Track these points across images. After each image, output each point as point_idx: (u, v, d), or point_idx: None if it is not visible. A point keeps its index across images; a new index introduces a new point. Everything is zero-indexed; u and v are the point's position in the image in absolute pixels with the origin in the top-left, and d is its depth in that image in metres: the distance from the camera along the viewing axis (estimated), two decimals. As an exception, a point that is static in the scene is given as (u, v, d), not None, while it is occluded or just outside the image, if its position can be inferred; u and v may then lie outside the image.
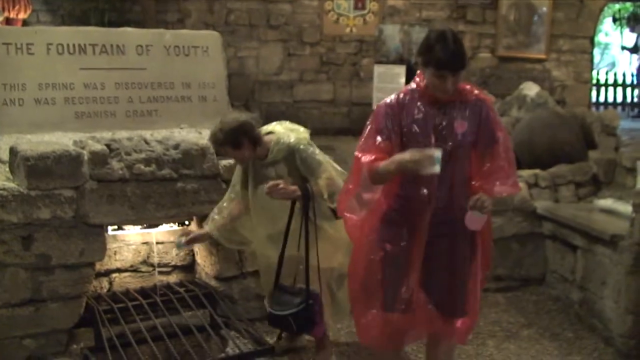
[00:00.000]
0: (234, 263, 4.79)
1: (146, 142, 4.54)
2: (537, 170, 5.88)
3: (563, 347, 4.63)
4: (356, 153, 3.25)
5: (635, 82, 14.64)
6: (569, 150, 6.05)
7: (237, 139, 3.86)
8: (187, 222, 5.01)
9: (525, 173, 5.86)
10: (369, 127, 3.28)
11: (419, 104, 3.22)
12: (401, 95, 3.26)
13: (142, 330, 4.27)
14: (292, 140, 3.96)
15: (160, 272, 5.05)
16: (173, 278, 5.14)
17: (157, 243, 5.04)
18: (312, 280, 3.95)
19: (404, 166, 3.04)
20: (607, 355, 4.54)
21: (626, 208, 4.75)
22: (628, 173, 5.82)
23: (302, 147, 3.94)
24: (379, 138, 3.20)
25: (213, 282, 4.86)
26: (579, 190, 5.92)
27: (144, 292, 4.76)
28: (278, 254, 4.01)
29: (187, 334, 4.30)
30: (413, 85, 3.28)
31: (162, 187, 4.48)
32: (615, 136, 6.70)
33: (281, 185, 3.76)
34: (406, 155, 3.04)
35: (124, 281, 5.03)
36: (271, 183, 3.78)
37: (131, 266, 5.06)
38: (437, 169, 2.98)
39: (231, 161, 4.72)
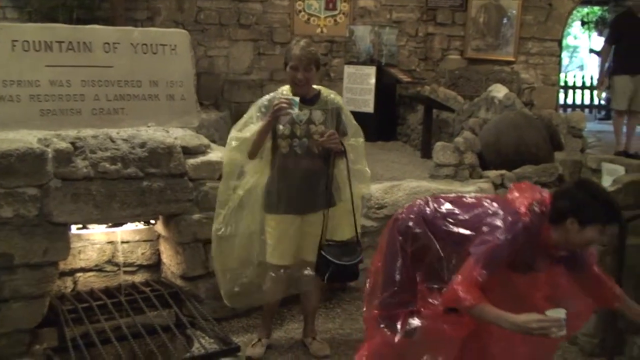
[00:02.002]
0: (200, 262, 4.77)
1: (112, 141, 4.51)
2: (503, 171, 5.95)
3: (527, 346, 4.67)
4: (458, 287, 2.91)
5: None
6: (535, 151, 6.12)
7: (320, 60, 4.19)
8: (152, 221, 4.98)
9: (492, 173, 5.92)
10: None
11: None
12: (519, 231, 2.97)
13: (106, 331, 4.23)
14: (339, 98, 4.29)
15: (125, 272, 5.01)
16: (138, 277, 5.09)
17: (122, 242, 5.00)
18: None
19: (527, 332, 2.78)
20: (571, 353, 4.59)
21: (590, 209, 4.81)
22: (593, 174, 5.91)
23: (345, 107, 4.29)
24: (485, 272, 2.90)
25: (179, 282, 4.83)
26: (545, 190, 5.98)
27: (108, 291, 4.72)
28: (296, 216, 4.16)
29: (152, 333, 4.28)
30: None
31: (127, 186, 4.45)
32: (581, 138, 6.81)
33: (336, 135, 4.03)
34: (530, 322, 2.76)
35: (89, 281, 4.97)
36: (331, 131, 4.04)
37: (96, 265, 5.00)
38: (564, 331, 2.83)
39: (198, 160, 4.72)
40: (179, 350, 4.23)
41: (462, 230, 3.10)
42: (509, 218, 2.96)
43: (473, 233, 3.03)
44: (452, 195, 3.45)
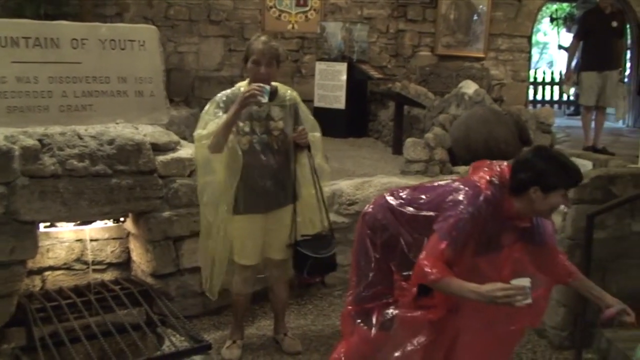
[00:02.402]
0: (170, 260, 4.74)
1: (80, 138, 4.46)
2: (473, 167, 5.98)
3: (497, 339, 4.71)
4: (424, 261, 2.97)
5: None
6: (504, 146, 6.16)
7: (280, 56, 4.16)
8: (122, 219, 4.94)
9: (462, 169, 5.97)
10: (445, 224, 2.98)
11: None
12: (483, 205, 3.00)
13: (75, 329, 4.19)
14: (295, 94, 4.33)
15: (94, 270, 4.96)
16: (108, 276, 5.04)
17: (91, 240, 4.95)
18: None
19: (491, 300, 2.82)
20: (540, 347, 4.64)
21: (559, 203, 4.87)
22: (561, 169, 5.95)
23: (302, 103, 4.31)
24: (450, 246, 2.94)
25: (149, 280, 4.80)
26: (514, 185, 6.02)
27: (77, 290, 4.68)
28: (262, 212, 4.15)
29: (122, 332, 4.24)
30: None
31: (95, 183, 4.41)
32: (550, 133, 6.87)
33: (307, 131, 4.13)
34: (495, 291, 2.80)
35: (57, 279, 4.92)
36: (302, 127, 4.12)
37: (64, 264, 4.95)
38: (530, 299, 2.86)
39: (168, 157, 4.69)
40: (150, 349, 4.19)
41: (426, 213, 3.13)
42: (470, 192, 2.99)
43: (437, 213, 3.06)
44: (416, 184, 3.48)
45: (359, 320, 3.31)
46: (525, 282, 2.87)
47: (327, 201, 5.19)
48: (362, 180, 5.55)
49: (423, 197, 3.21)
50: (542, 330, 4.75)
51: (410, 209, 3.19)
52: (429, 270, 2.90)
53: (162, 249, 4.70)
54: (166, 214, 4.69)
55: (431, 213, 3.09)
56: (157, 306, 4.58)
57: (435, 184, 3.31)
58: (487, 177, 3.04)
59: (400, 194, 3.30)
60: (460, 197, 3.00)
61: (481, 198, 2.96)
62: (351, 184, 5.49)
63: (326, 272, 3.61)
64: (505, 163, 3.17)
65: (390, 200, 3.29)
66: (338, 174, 5.93)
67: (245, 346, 4.47)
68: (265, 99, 3.90)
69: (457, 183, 3.14)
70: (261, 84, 3.90)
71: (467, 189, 3.02)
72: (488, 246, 3.08)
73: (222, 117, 3.96)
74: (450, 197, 3.04)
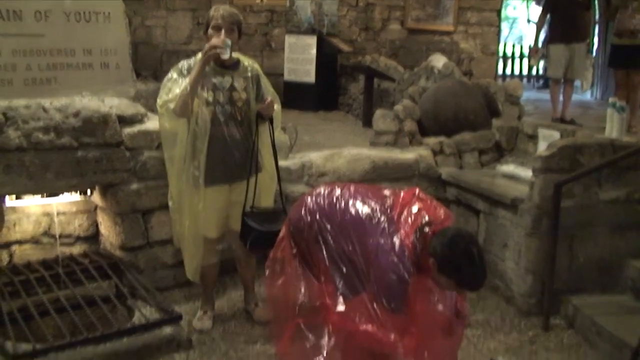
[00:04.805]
0: (139, 233, 4.72)
1: (45, 110, 4.41)
2: (442, 138, 6.01)
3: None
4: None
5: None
6: (473, 118, 6.20)
7: (242, 25, 4.15)
8: (89, 192, 4.89)
9: (431, 141, 5.99)
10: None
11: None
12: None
13: (45, 303, 4.16)
14: (257, 65, 4.30)
15: (62, 244, 4.93)
16: (76, 249, 5.01)
17: (59, 214, 4.91)
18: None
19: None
20: (508, 313, 4.71)
21: (527, 173, 4.92)
22: (529, 140, 6.02)
23: (263, 75, 4.30)
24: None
25: (118, 253, 4.77)
26: (483, 157, 6.08)
27: (46, 264, 4.64)
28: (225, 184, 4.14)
29: (92, 305, 4.22)
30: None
31: (62, 156, 4.36)
32: (518, 105, 6.91)
33: (273, 103, 4.15)
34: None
35: (25, 253, 4.88)
36: (269, 99, 4.12)
37: (32, 238, 4.91)
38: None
39: (135, 129, 4.65)
40: (120, 321, 4.18)
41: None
42: (396, 249, 2.94)
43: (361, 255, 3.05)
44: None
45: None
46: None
47: (297, 173, 5.22)
48: (332, 152, 5.55)
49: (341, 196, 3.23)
50: (510, 297, 4.82)
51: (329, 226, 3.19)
52: (398, 344, 2.93)
53: (131, 222, 4.67)
54: (134, 186, 4.65)
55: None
56: (126, 279, 4.56)
57: (361, 211, 3.17)
58: (417, 224, 2.99)
59: (317, 193, 3.33)
60: (385, 256, 2.95)
61: (406, 254, 2.93)
62: (321, 155, 5.48)
63: (269, 247, 3.59)
64: (442, 211, 3.11)
65: (309, 199, 3.31)
66: (308, 147, 5.91)
67: (217, 317, 4.47)
68: (227, 54, 3.87)
69: (381, 223, 3.05)
70: (223, 39, 3.86)
71: (391, 240, 2.97)
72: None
73: (186, 81, 3.92)
74: (375, 245, 2.99)
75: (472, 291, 3.24)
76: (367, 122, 7.26)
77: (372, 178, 5.32)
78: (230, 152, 4.08)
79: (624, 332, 3.95)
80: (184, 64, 4.07)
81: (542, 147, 5.29)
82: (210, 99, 4.00)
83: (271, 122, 4.21)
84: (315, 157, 5.46)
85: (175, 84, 3.97)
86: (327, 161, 5.42)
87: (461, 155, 5.99)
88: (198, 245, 4.22)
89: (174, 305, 4.44)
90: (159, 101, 4.02)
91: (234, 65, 4.10)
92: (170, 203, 4.28)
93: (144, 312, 4.20)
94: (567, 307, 4.57)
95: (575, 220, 4.59)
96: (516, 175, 5.36)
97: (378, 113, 6.23)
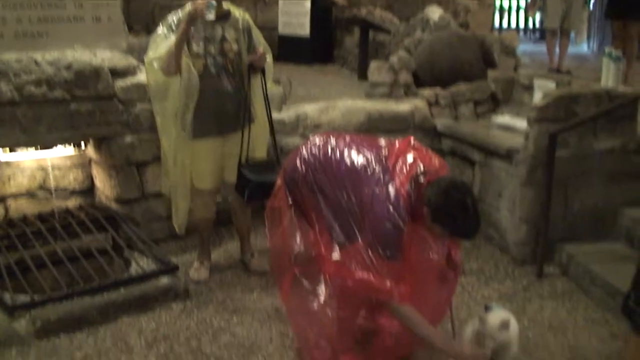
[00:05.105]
0: (134, 185, 4.72)
1: (36, 64, 4.39)
2: (437, 89, 5.97)
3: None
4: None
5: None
6: (468, 69, 6.15)
7: None
8: (82, 145, 4.88)
9: (426, 92, 5.95)
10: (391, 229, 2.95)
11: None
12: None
13: (41, 256, 4.19)
14: (248, 16, 4.23)
15: (58, 197, 4.94)
16: (72, 203, 5.02)
17: (53, 168, 4.90)
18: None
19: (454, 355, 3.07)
20: (502, 262, 4.74)
21: (522, 124, 4.91)
22: (525, 91, 5.99)
23: (254, 26, 4.24)
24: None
25: (114, 205, 4.79)
26: (478, 108, 6.05)
27: (42, 217, 4.66)
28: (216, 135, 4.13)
29: (89, 257, 4.25)
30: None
31: (55, 109, 4.34)
32: (514, 57, 6.86)
33: (265, 55, 4.11)
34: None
35: (21, 207, 4.88)
36: (261, 50, 4.08)
37: (27, 192, 4.91)
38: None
39: (128, 82, 4.62)
40: (117, 272, 4.21)
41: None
42: (391, 196, 2.93)
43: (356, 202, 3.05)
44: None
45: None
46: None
47: (291, 125, 5.21)
48: (327, 104, 5.52)
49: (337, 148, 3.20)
50: (505, 246, 4.85)
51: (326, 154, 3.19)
52: (395, 292, 2.96)
53: (126, 175, 4.67)
54: (128, 139, 4.64)
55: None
56: (122, 231, 4.58)
57: (356, 160, 3.14)
58: (412, 173, 2.98)
59: (312, 143, 3.30)
60: (380, 205, 2.94)
61: (401, 203, 2.92)
62: (316, 107, 5.46)
63: (267, 198, 3.58)
64: (437, 160, 3.11)
65: (304, 150, 3.29)
66: (303, 100, 5.88)
67: (213, 267, 4.51)
68: (211, 15, 3.82)
69: (376, 172, 3.04)
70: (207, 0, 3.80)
71: (386, 189, 2.96)
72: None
73: (173, 38, 3.88)
74: (370, 195, 2.98)
75: (465, 240, 3.27)
76: (363, 74, 7.21)
77: (367, 130, 5.31)
78: (223, 104, 4.06)
79: (617, 279, 3.97)
80: (173, 17, 4.02)
81: (537, 98, 5.26)
82: (202, 51, 3.96)
83: (263, 73, 4.17)
84: (310, 109, 5.43)
85: (163, 41, 3.93)
86: (322, 113, 5.39)
87: (456, 106, 5.96)
88: (186, 197, 4.23)
89: (170, 256, 4.47)
90: (146, 58, 4.01)
91: (225, 16, 4.05)
92: (162, 156, 4.27)
93: (141, 264, 4.23)
94: (561, 255, 4.60)
95: (570, 170, 4.59)
96: (511, 126, 5.34)
97: (373, 64, 6.19)
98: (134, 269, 4.21)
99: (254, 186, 4.03)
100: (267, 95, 4.22)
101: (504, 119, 5.55)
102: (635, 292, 2.47)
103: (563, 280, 4.45)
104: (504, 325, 3.05)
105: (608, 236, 4.69)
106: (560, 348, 3.59)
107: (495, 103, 6.15)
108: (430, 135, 5.69)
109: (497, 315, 3.09)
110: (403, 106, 5.72)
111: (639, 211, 4.61)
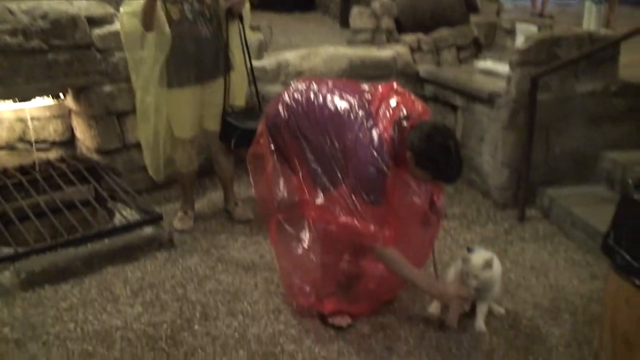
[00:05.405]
0: (115, 135, 4.69)
1: (11, 13, 4.30)
2: (420, 35, 5.93)
3: (443, 201, 4.84)
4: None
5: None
6: (450, 14, 6.11)
7: None
8: (62, 96, 4.82)
9: (409, 38, 5.91)
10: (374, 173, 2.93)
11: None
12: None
13: (24, 208, 4.17)
14: None
15: (38, 149, 4.89)
16: (53, 154, 4.98)
17: (33, 119, 4.84)
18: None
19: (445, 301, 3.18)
20: (484, 206, 4.78)
21: (504, 68, 4.89)
22: (507, 35, 5.97)
23: None
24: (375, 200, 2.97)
25: (95, 156, 4.75)
26: (461, 53, 6.03)
27: (23, 169, 4.62)
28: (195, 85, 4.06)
29: (72, 209, 4.23)
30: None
31: (31, 60, 4.27)
32: (496, 1, 6.82)
33: None
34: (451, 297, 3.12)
35: (1, 160, 4.83)
36: None
37: (7, 144, 4.86)
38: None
39: (105, 30, 4.54)
40: (101, 223, 4.20)
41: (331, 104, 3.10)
42: (374, 141, 2.91)
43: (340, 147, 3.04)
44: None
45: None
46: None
47: (273, 73, 5.17)
48: (308, 51, 5.47)
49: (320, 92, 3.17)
50: (486, 190, 4.88)
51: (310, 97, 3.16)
52: (379, 235, 2.98)
53: (106, 125, 4.63)
54: (107, 88, 4.58)
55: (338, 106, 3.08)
56: (105, 182, 4.56)
57: (338, 103, 3.11)
58: (395, 118, 2.96)
59: (296, 87, 3.25)
60: (363, 150, 2.92)
61: (384, 148, 2.91)
62: (297, 55, 5.41)
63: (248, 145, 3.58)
64: (420, 105, 3.09)
65: (286, 95, 3.24)
66: (285, 48, 5.82)
67: (197, 217, 4.51)
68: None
69: (359, 117, 3.00)
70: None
71: (369, 134, 2.93)
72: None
73: None
74: (354, 140, 2.95)
75: (448, 183, 3.28)
76: (344, 22, 7.13)
77: (350, 77, 5.26)
78: (201, 51, 4.01)
79: (597, 221, 4.02)
80: None
81: (519, 41, 5.24)
82: None
83: (241, 19, 4.11)
84: (291, 56, 5.38)
85: None
86: (304, 60, 5.35)
87: (439, 52, 5.93)
88: (166, 146, 4.21)
89: (154, 206, 4.45)
90: (123, 8, 3.95)
91: None
92: (136, 102, 4.18)
93: (124, 214, 4.22)
94: (543, 199, 4.64)
95: (551, 113, 4.60)
96: (494, 70, 5.33)
97: (355, 10, 6.12)
98: (117, 220, 4.19)
99: (240, 134, 4.01)
100: (246, 42, 4.16)
101: (486, 63, 5.53)
102: (614, 230, 2.50)
103: (544, 223, 4.49)
104: (487, 264, 3.10)
105: (589, 179, 4.73)
106: (542, 289, 3.65)
107: (477, 48, 6.13)
108: (412, 81, 5.67)
109: (481, 255, 3.14)
110: (385, 52, 5.68)
111: (620, 154, 4.64)
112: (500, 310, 3.38)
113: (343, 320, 3.28)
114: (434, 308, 3.36)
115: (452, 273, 3.34)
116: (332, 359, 3.03)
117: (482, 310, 3.24)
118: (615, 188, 4.49)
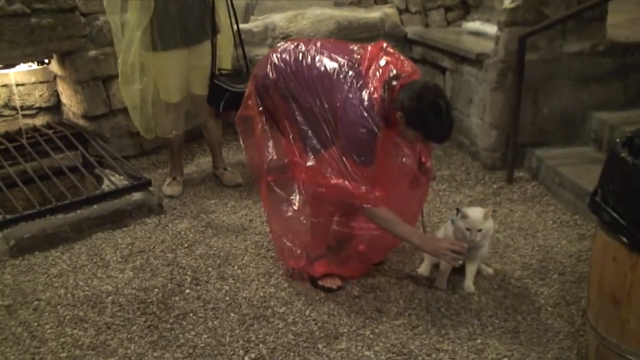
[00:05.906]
0: (101, 101, 4.65)
1: (-8, -24, 4.21)
2: (408, -6, 5.88)
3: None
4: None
5: None
6: (438, -26, 6.04)
7: None
8: (46, 61, 4.76)
9: (395, -3, 5.86)
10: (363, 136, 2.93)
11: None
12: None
13: (11, 175, 4.15)
14: None
15: (24, 115, 4.85)
16: (39, 120, 4.94)
17: (17, 85, 4.79)
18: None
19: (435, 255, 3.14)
20: (473, 168, 4.79)
21: (493, 29, 4.86)
22: (495, -6, 5.91)
23: None
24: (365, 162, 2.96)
25: (82, 122, 4.72)
26: (449, 14, 5.97)
27: (9, 136, 4.59)
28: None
29: (60, 175, 4.22)
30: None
31: (14, 24, 4.21)
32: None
33: None
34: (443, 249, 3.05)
35: (-14, 127, 4.80)
36: None
37: (-8, 110, 4.83)
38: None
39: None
40: (89, 189, 4.19)
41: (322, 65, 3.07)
42: (364, 102, 2.90)
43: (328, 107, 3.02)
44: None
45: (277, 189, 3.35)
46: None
47: (260, 35, 5.12)
48: (295, 13, 5.42)
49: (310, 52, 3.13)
50: (475, 152, 4.89)
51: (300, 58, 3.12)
52: (370, 196, 2.97)
53: (92, 90, 4.59)
54: (92, 53, 4.54)
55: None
56: (92, 148, 4.54)
57: (327, 63, 3.07)
58: (385, 78, 2.94)
59: (286, 47, 3.20)
60: (353, 110, 2.91)
61: (374, 108, 2.89)
62: (284, 17, 5.36)
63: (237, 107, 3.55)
64: (409, 65, 3.05)
65: (275, 57, 3.18)
66: (272, 10, 5.75)
67: (186, 182, 4.51)
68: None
69: (349, 77, 2.97)
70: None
71: (359, 94, 2.92)
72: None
73: None
74: (343, 100, 2.94)
75: (439, 143, 3.27)
76: (332, -16, 7.06)
77: (337, 38, 5.23)
78: (187, 14, 3.96)
79: (585, 181, 4.03)
80: None
81: (507, 1, 5.20)
82: None
83: None
84: (278, 18, 5.33)
85: None
86: (291, 22, 5.30)
87: (427, 13, 5.88)
88: (153, 107, 4.18)
89: (143, 172, 4.45)
90: None
91: None
92: (119, 64, 4.11)
93: (113, 180, 4.21)
94: (531, 160, 4.65)
95: (539, 74, 4.58)
96: (482, 31, 5.30)
97: (341, -29, 6.05)
98: (106, 186, 4.18)
99: (229, 96, 3.99)
100: (232, 4, 4.11)
101: (474, 25, 5.50)
102: (601, 188, 2.50)
103: (533, 184, 4.51)
104: (486, 214, 3.13)
105: (577, 140, 4.74)
106: (530, 249, 3.67)
107: (465, 9, 6.07)
108: (400, 43, 5.63)
109: (475, 209, 3.17)
110: (373, 14, 5.63)
111: (608, 114, 4.64)
112: (489, 270, 3.41)
113: (333, 283, 3.30)
114: (423, 269, 3.39)
115: (441, 235, 3.36)
116: (322, 320, 3.05)
117: (471, 271, 3.27)
118: (603, 148, 4.50)
